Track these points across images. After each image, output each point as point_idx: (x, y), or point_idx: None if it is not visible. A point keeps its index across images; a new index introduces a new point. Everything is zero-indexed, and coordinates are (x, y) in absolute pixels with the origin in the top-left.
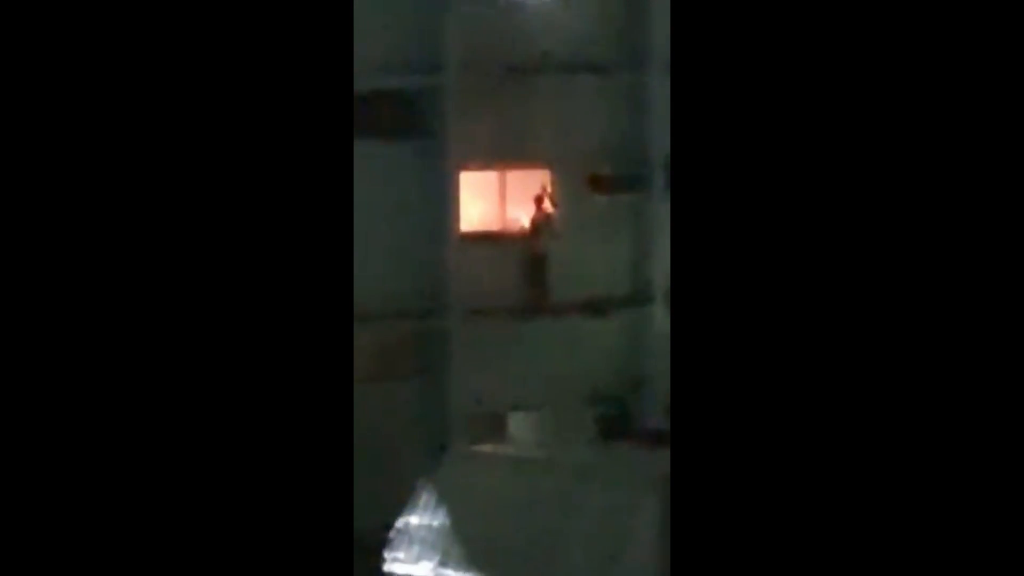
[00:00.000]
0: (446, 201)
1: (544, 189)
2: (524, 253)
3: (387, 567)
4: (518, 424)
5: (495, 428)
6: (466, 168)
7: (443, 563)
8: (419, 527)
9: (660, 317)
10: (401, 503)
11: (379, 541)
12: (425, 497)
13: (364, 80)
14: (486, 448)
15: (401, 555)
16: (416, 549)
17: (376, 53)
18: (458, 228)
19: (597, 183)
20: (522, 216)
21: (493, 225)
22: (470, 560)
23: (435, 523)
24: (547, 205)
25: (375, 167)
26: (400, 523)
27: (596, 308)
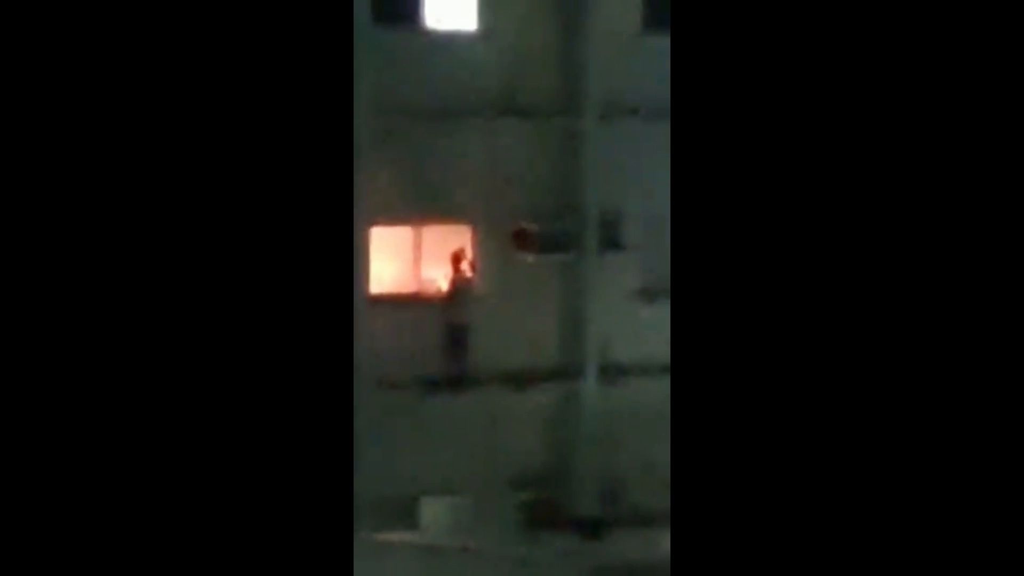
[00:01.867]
0: (355, 259)
1: (463, 247)
2: (441, 318)
3: None
4: (432, 510)
5: (406, 514)
6: (377, 223)
7: None
8: None
9: (592, 392)
10: None
11: None
12: None
13: None
14: (396, 536)
15: None
16: None
17: None
18: (367, 289)
19: (523, 240)
20: (439, 277)
21: (407, 287)
22: None
23: None
24: (467, 265)
25: None
26: None
27: (521, 381)
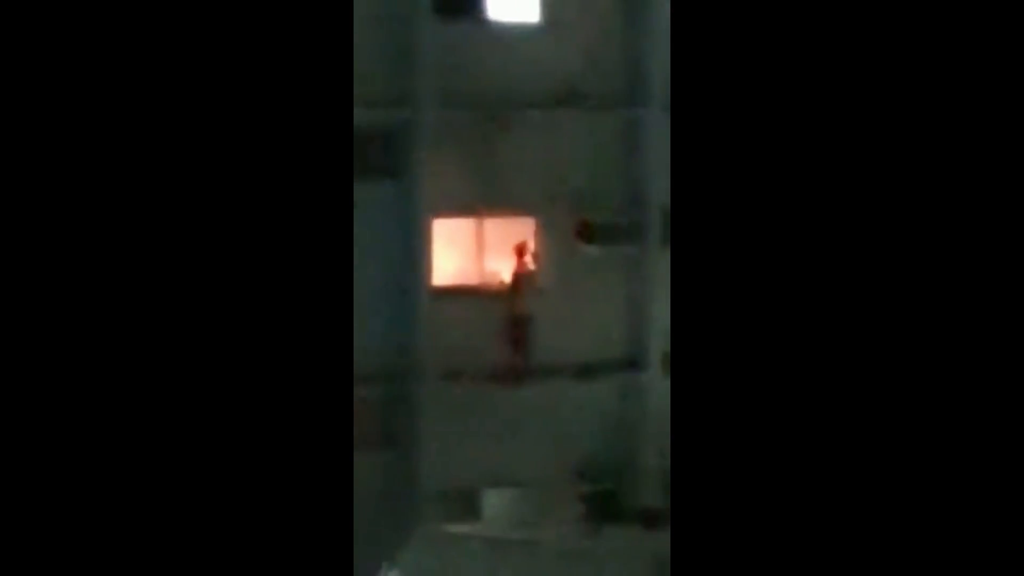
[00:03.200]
0: (418, 251)
1: (526, 239)
2: (504, 310)
3: None
4: (495, 502)
5: (469, 506)
6: (441, 215)
7: None
8: None
9: (657, 383)
10: None
11: None
12: None
13: None
14: (459, 528)
15: None
16: None
17: None
18: (431, 281)
19: (586, 232)
20: (502, 269)
21: (470, 279)
22: None
23: None
24: (530, 257)
25: None
26: None
27: (584, 373)
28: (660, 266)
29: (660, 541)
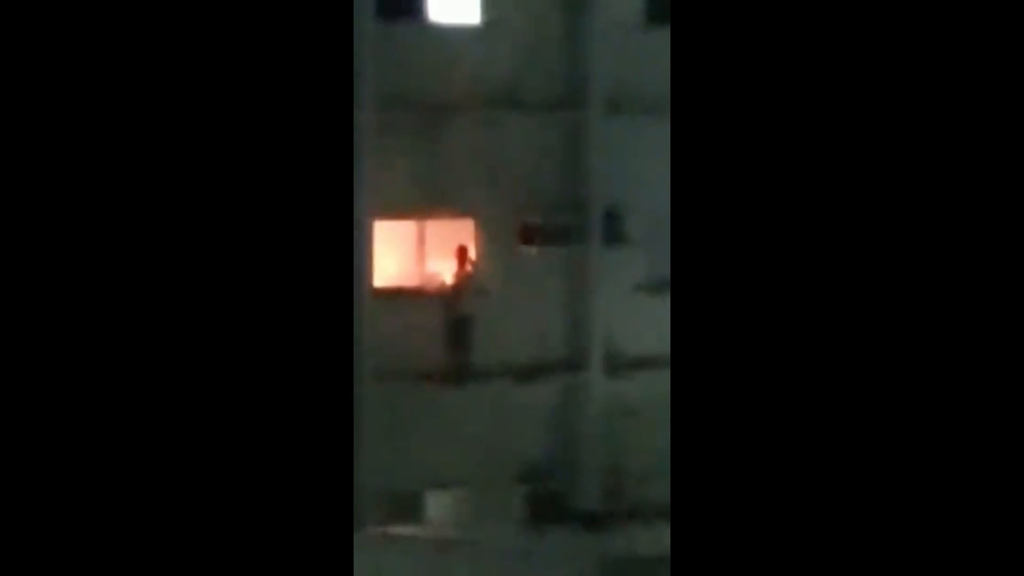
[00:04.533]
0: (359, 253)
1: (468, 244)
2: (445, 312)
3: None
4: (437, 503)
5: (411, 507)
6: (381, 216)
7: None
8: None
9: (598, 384)
10: None
11: None
12: None
13: None
14: (401, 530)
15: None
16: None
17: None
18: (371, 283)
19: (527, 234)
20: (443, 271)
21: (410, 280)
22: None
23: None
24: (471, 258)
25: None
26: None
27: (525, 374)
28: (600, 267)
29: (602, 542)
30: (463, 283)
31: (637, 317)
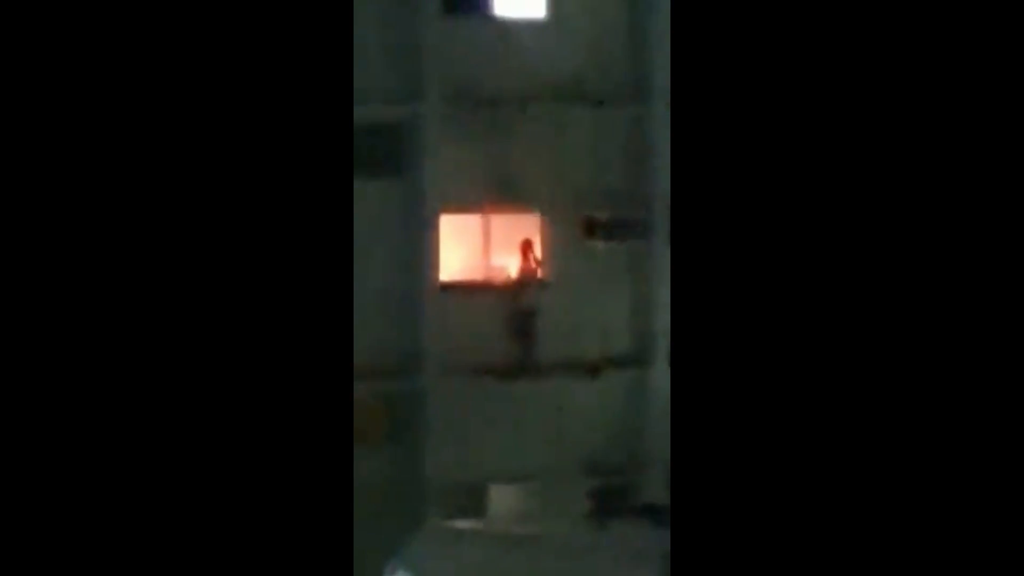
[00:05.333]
0: (424, 246)
1: (532, 237)
2: (509, 306)
3: None
4: (501, 497)
5: (475, 501)
6: (447, 210)
7: None
8: None
9: (662, 378)
10: None
11: None
12: None
13: None
14: (464, 523)
15: None
16: None
17: None
18: (437, 277)
19: (592, 228)
20: (508, 265)
21: (476, 274)
22: None
23: None
24: (536, 252)
25: None
26: None
27: (590, 368)
28: (665, 261)
29: (667, 536)
30: (528, 277)
31: None
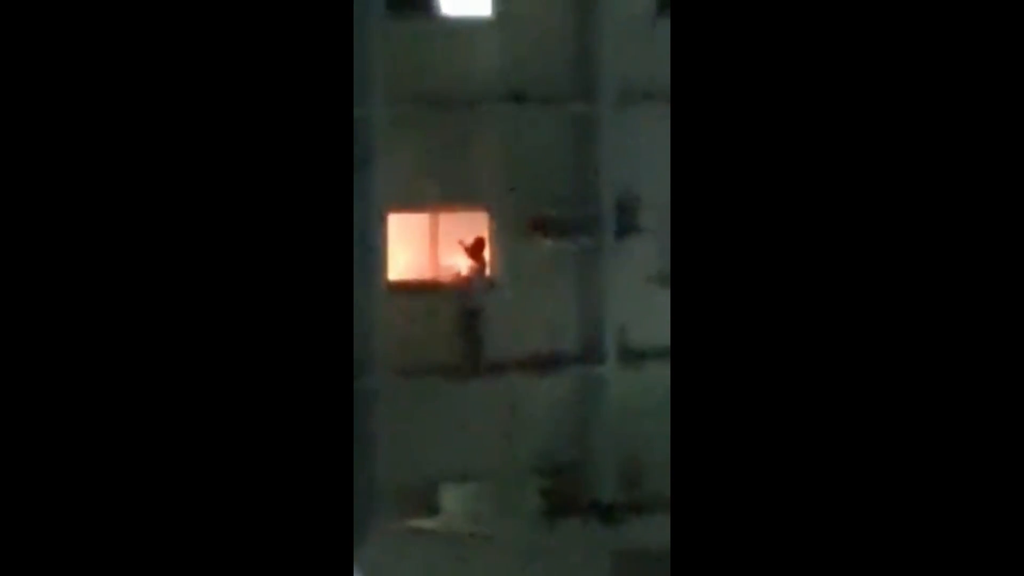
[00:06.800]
0: (372, 246)
1: (482, 236)
2: (458, 305)
3: None
4: (452, 497)
5: (426, 501)
6: (395, 209)
7: None
8: None
9: (613, 376)
10: None
11: None
12: None
13: None
14: (417, 524)
15: None
16: None
17: None
18: (385, 276)
19: (541, 226)
20: (456, 263)
21: (424, 273)
22: None
23: None
24: (484, 251)
25: None
26: None
27: (540, 367)
28: (614, 259)
29: (618, 535)
30: (476, 276)
31: (650, 308)
